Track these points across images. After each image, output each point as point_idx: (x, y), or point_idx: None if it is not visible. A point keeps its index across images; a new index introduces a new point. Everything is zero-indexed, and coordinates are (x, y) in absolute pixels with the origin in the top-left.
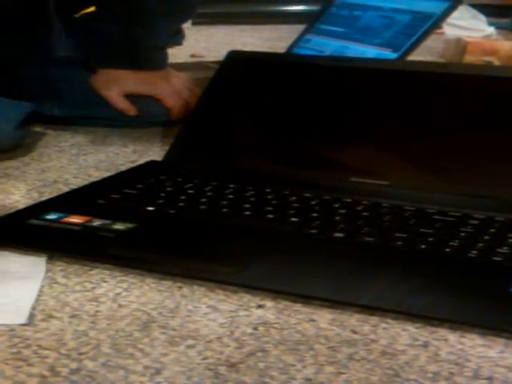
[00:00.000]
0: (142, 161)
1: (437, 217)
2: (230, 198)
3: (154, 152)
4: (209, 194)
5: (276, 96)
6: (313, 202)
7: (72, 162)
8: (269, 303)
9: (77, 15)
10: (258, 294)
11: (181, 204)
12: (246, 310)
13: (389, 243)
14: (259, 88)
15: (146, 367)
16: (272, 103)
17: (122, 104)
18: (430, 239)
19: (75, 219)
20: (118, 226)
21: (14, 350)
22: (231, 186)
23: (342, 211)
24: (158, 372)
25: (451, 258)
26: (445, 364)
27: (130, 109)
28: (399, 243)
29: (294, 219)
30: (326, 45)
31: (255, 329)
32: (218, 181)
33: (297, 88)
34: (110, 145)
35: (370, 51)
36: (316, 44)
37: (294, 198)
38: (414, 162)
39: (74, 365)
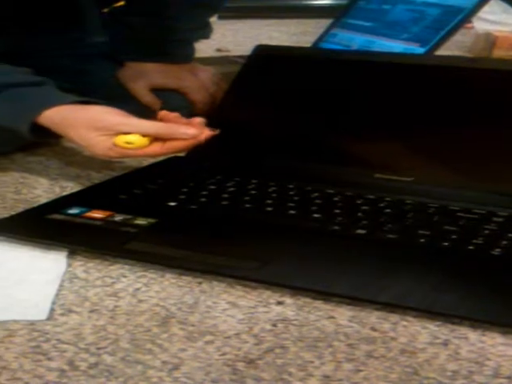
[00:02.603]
0: (164, 156)
1: (461, 214)
2: (252, 193)
3: None
4: (231, 189)
5: (301, 91)
6: (335, 199)
7: (95, 156)
8: (288, 300)
9: (106, 9)
10: (278, 291)
11: (203, 199)
12: (265, 306)
13: (412, 240)
14: (285, 82)
15: (164, 362)
16: (297, 98)
17: (148, 98)
18: (454, 236)
19: (97, 214)
20: (140, 221)
21: (34, 344)
22: (254, 181)
23: (365, 208)
24: (176, 367)
25: (474, 256)
26: (464, 362)
27: (155, 103)
28: (422, 240)
29: (316, 215)
30: (352, 39)
31: (274, 325)
32: (241, 176)
33: (323, 83)
34: None
35: (397, 46)
36: (342, 39)
37: (316, 194)
38: (439, 158)
39: (92, 359)
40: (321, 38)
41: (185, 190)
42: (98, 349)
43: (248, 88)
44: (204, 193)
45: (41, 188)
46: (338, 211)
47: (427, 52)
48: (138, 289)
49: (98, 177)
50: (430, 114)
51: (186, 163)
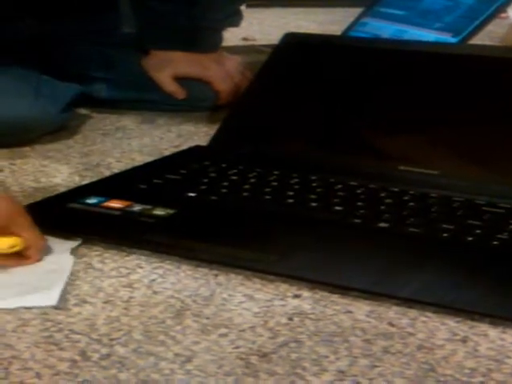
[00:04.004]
0: (186, 146)
1: (486, 208)
2: (273, 185)
3: (199, 137)
4: (252, 180)
5: (328, 80)
6: (358, 191)
7: (116, 145)
8: (306, 293)
9: None
10: (296, 284)
11: (223, 190)
12: (281, 299)
13: (435, 234)
14: (312, 72)
15: (177, 355)
16: (323, 88)
17: (172, 87)
18: (478, 231)
19: (115, 204)
20: (158, 212)
21: (46, 334)
22: (276, 172)
23: (388, 201)
24: (188, 360)
25: (498, 251)
26: (483, 360)
27: (179, 92)
28: (445, 235)
29: (338, 208)
30: (383, 29)
31: (290, 319)
32: (263, 167)
33: (351, 72)
34: (155, 129)
35: (429, 35)
36: (372, 28)
37: (339, 186)
38: (466, 151)
39: (104, 350)
40: (350, 27)
41: (205, 180)
42: (111, 340)
43: (274, 77)
44: (225, 184)
45: (60, 176)
46: (360, 204)
47: (460, 42)
48: (153, 280)
49: (117, 166)
50: (459, 106)
51: (207, 153)
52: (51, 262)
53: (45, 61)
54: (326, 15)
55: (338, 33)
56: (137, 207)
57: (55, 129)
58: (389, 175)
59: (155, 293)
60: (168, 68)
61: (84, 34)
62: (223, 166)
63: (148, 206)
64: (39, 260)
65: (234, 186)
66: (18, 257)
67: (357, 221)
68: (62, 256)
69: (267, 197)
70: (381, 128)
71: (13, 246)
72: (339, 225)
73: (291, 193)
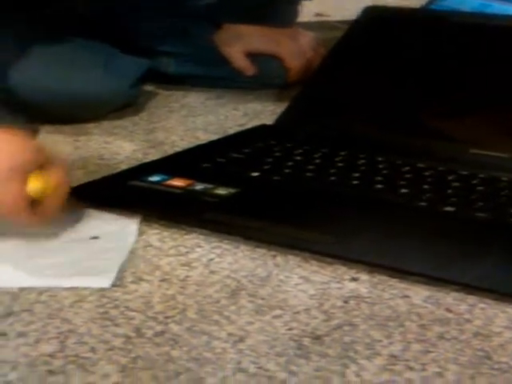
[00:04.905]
0: (251, 124)
1: None
2: (339, 166)
3: (266, 116)
4: (318, 161)
5: (405, 57)
6: (426, 173)
7: (181, 123)
8: (363, 276)
9: None
10: (354, 267)
11: (287, 170)
12: (338, 282)
13: (503, 220)
14: (389, 48)
15: (230, 334)
16: (399, 65)
17: (242, 62)
18: None
19: (178, 182)
20: (221, 191)
21: (102, 310)
22: (342, 153)
23: (456, 184)
24: (241, 340)
25: None
26: None
27: (249, 68)
28: None
29: (403, 190)
30: (465, 2)
31: (346, 302)
32: (329, 147)
33: (430, 48)
34: (221, 107)
35: None
36: (454, 1)
37: (406, 168)
38: None
39: (159, 327)
40: (432, 1)
41: (270, 160)
42: (166, 318)
43: (349, 54)
44: (289, 164)
45: (123, 154)
46: (427, 187)
47: None
48: (211, 259)
49: (181, 144)
50: None
51: (273, 132)
52: (110, 240)
53: (112, 34)
54: None
55: (419, 6)
56: (199, 186)
57: (123, 105)
58: (459, 158)
59: (212, 272)
60: (240, 43)
61: (155, 5)
62: (288, 145)
63: (210, 185)
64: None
65: (298, 166)
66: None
67: (422, 204)
68: (121, 234)
69: (332, 178)
70: (452, 109)
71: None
72: (404, 208)
73: (357, 174)
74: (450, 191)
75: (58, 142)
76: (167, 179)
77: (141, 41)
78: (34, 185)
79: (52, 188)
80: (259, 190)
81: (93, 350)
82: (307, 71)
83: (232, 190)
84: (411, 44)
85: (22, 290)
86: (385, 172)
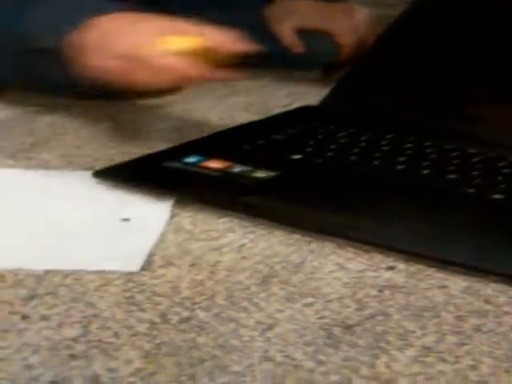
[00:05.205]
0: (295, 105)
1: None
2: (384, 150)
3: (311, 96)
4: (363, 144)
5: (459, 38)
6: (476, 159)
7: (220, 102)
8: (400, 265)
9: None
10: (391, 255)
11: (330, 154)
12: (374, 270)
13: None
14: (445, 29)
15: (259, 322)
16: (453, 47)
17: (290, 39)
18: None
19: (215, 164)
20: (259, 174)
21: (128, 295)
22: (388, 136)
23: (507, 171)
24: (269, 328)
25: None
26: None
27: (298, 45)
28: None
29: (451, 176)
30: None
31: (380, 291)
32: (376, 130)
33: (487, 29)
34: (264, 86)
35: None
36: None
37: (455, 153)
38: None
39: (185, 313)
40: None
41: (312, 142)
42: (193, 304)
43: (405, 34)
44: (333, 147)
45: (159, 134)
46: (476, 173)
47: None
48: (243, 245)
49: (220, 124)
50: None
51: (317, 114)
52: (142, 222)
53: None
54: None
55: None
56: (237, 168)
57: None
58: (510, 144)
59: (243, 258)
60: (291, 19)
61: None
62: (332, 127)
63: (249, 168)
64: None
65: (341, 149)
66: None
67: (470, 191)
68: (153, 217)
69: (376, 162)
70: (506, 94)
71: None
72: (450, 194)
73: (403, 158)
74: (500, 178)
75: (92, 118)
76: (204, 160)
77: (183, 8)
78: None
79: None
80: (299, 174)
81: (116, 335)
82: (360, 49)
83: (271, 173)
84: (468, 25)
85: (46, 272)
86: (432, 157)
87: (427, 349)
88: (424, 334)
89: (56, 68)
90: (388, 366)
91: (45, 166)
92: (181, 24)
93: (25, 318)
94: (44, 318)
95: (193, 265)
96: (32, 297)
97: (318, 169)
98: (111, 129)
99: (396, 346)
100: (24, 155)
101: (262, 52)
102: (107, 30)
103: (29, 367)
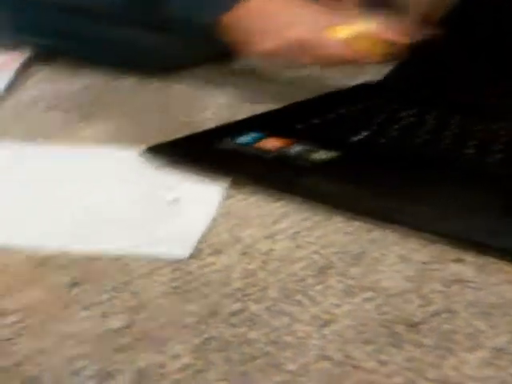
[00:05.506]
0: (356, 81)
1: None
2: (452, 132)
3: (371, 73)
4: (428, 125)
5: None
6: None
7: (278, 77)
8: (469, 258)
9: None
10: (459, 247)
11: (394, 134)
12: (440, 263)
13: None
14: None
15: (314, 317)
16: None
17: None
18: None
19: (270, 144)
20: (318, 155)
21: (175, 284)
22: (457, 117)
23: None
24: (326, 324)
25: None
26: None
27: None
28: None
29: None
30: None
31: (446, 286)
32: (442, 110)
33: None
34: None
35: None
36: None
37: None
38: None
39: (236, 306)
40: None
41: (375, 122)
42: (244, 295)
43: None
44: (396, 126)
45: (211, 110)
46: None
47: None
48: (298, 232)
49: (275, 101)
50: None
51: (378, 91)
52: (191, 206)
53: None
54: None
55: None
56: (294, 148)
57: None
58: None
59: (298, 247)
60: None
61: None
62: (395, 106)
63: (307, 148)
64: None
65: (406, 129)
66: None
67: None
68: (203, 200)
69: (444, 144)
70: None
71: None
72: None
73: (472, 142)
74: None
75: (141, 93)
76: (259, 140)
77: None
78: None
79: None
80: (361, 156)
81: (162, 327)
82: (426, 24)
83: (330, 154)
84: None
85: (90, 258)
86: (505, 140)
87: (499, 350)
88: (495, 334)
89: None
90: (456, 369)
91: (90, 142)
92: (343, 12)
93: (65, 307)
94: (86, 307)
95: (244, 253)
96: (73, 284)
97: (381, 151)
98: (163, 103)
99: (464, 346)
100: (69, 131)
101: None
102: (269, 12)
103: (71, 360)
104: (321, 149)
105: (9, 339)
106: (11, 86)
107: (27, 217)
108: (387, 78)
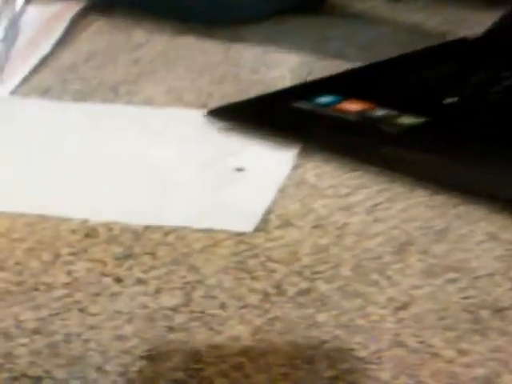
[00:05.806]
0: (451, 37)
1: None
2: None
3: (470, 26)
4: None
5: None
6: None
7: (360, 31)
8: None
9: None
10: None
11: (494, 97)
12: None
13: None
14: None
15: (391, 299)
16: None
17: None
18: None
19: (352, 106)
20: (405, 120)
21: (239, 259)
22: None
23: None
24: (403, 307)
25: None
26: None
27: None
28: None
29: None
30: None
31: None
32: None
33: None
34: (413, 12)
35: None
36: None
37: None
38: None
39: (304, 284)
40: None
41: (471, 83)
42: (314, 273)
43: None
44: (495, 89)
45: (285, 67)
46: None
47: None
48: (376, 204)
49: (358, 58)
50: None
51: (477, 48)
52: (259, 173)
53: None
54: None
55: None
56: (378, 112)
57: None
58: None
59: (376, 220)
60: None
61: None
62: (495, 66)
63: (393, 112)
64: None
65: (507, 93)
66: None
67: None
68: (272, 167)
69: None
70: None
71: None
72: None
73: None
74: None
75: (206, 48)
76: (339, 101)
77: None
78: None
79: None
80: (454, 121)
81: (223, 306)
82: None
83: (419, 119)
84: None
85: (145, 228)
86: None
87: None
88: None
89: None
90: None
91: (149, 101)
92: None
93: (118, 280)
94: (140, 281)
95: (316, 226)
96: (127, 256)
97: (476, 116)
98: (228, 60)
99: None
100: (126, 88)
101: None
102: None
103: (121, 338)
104: (408, 113)
105: (57, 314)
106: (65, 37)
107: (82, 183)
108: (490, 31)
